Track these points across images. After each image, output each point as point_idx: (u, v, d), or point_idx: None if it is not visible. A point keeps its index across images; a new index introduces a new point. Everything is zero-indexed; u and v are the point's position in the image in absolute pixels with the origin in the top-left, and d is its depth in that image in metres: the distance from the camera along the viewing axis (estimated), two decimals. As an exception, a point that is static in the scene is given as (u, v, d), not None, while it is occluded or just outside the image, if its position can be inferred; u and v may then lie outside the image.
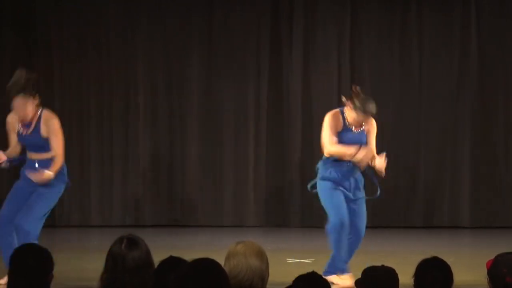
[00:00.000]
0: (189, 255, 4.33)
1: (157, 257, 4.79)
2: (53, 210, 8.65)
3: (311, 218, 12.52)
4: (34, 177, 8.13)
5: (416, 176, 12.71)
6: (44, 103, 12.14)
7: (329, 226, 8.39)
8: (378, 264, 5.14)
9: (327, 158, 8.46)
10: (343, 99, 8.34)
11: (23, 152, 8.50)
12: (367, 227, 8.52)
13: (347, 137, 8.36)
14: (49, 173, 8.14)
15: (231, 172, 12.72)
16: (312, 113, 12.63)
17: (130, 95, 12.69)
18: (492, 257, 5.00)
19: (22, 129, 8.29)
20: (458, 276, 4.89)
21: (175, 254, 4.75)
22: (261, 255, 4.86)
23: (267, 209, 12.72)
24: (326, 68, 12.68)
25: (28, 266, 4.44)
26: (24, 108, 8.07)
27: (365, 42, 12.71)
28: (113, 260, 4.83)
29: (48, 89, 12.14)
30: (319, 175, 8.51)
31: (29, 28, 12.54)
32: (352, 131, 8.40)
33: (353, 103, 8.25)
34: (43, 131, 8.19)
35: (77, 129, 12.63)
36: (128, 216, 12.68)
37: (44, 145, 8.22)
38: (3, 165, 8.44)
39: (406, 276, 4.97)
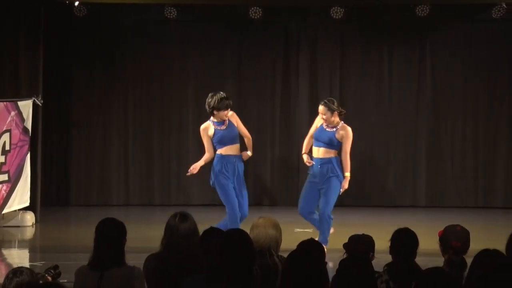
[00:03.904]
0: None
1: (201, 228, 4.80)
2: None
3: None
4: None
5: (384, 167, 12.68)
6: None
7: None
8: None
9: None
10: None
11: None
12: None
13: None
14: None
15: (252, 164, 12.69)
16: (312, 123, 12.60)
17: (183, 113, 12.70)
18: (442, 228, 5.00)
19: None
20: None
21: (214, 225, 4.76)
22: (276, 226, 4.87)
23: (281, 190, 12.67)
24: (322, 91, 12.60)
25: (109, 234, 4.47)
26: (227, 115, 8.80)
27: (350, 72, 12.65)
28: (170, 229, 4.84)
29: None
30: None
31: (109, 68, 12.61)
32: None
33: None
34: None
35: (145, 136, 12.69)
36: (181, 198, 12.67)
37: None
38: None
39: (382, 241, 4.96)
